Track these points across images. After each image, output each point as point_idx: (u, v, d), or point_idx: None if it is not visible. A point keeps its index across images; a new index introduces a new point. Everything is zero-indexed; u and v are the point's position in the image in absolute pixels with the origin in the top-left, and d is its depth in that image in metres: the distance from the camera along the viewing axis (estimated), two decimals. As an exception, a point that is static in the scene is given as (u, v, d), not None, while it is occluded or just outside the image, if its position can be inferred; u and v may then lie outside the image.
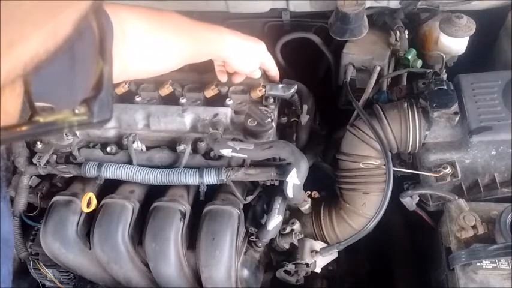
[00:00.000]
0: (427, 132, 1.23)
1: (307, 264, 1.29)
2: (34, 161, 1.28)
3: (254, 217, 1.26)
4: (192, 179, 1.21)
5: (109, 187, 1.27)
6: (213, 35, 1.15)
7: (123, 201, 1.21)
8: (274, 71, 1.34)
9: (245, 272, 1.26)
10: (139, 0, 1.55)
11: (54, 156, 1.29)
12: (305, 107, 1.35)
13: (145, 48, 0.99)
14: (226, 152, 1.16)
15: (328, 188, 1.43)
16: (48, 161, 1.28)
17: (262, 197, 1.29)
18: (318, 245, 1.33)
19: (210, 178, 1.21)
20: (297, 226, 1.32)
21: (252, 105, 1.31)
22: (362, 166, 1.29)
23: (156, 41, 1.01)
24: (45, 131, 0.38)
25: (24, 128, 0.36)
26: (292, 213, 1.36)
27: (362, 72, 1.43)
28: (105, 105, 0.39)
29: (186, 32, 1.08)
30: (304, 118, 1.34)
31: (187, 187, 1.25)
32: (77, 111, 0.38)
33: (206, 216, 1.19)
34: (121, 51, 0.91)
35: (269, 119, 1.22)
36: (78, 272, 1.31)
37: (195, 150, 1.27)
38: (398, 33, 1.45)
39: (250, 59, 1.25)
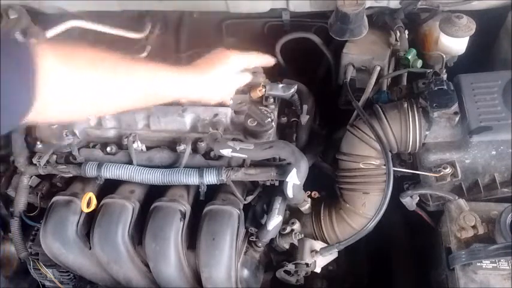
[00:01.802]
0: (427, 132, 1.23)
1: (307, 264, 1.29)
2: (34, 161, 1.28)
3: (254, 217, 1.26)
4: (192, 179, 1.21)
5: (109, 187, 1.27)
6: (157, 75, 1.01)
7: (123, 201, 1.21)
8: (264, 63, 1.28)
9: (245, 272, 1.26)
10: (139, 0, 1.56)
11: (54, 156, 1.30)
12: (305, 107, 1.35)
13: (68, 88, 0.87)
14: (226, 152, 1.16)
15: (328, 188, 1.43)
16: (48, 161, 1.28)
17: (262, 197, 1.29)
18: (318, 245, 1.33)
19: (210, 178, 1.21)
20: (297, 226, 1.32)
21: (252, 105, 1.31)
22: (362, 166, 1.29)
23: (82, 81, 0.89)
24: None
25: None
26: (292, 213, 1.36)
27: (362, 72, 1.43)
28: None
29: (123, 73, 0.96)
30: (304, 118, 1.34)
31: (187, 187, 1.25)
32: None
33: (206, 216, 1.19)
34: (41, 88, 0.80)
35: (269, 119, 1.22)
36: (78, 272, 1.31)
37: (195, 150, 1.27)
38: (398, 33, 1.45)
39: (219, 89, 1.16)
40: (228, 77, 1.17)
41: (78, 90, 0.88)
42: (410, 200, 1.25)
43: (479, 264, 1.06)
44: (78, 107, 0.92)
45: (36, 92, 0.77)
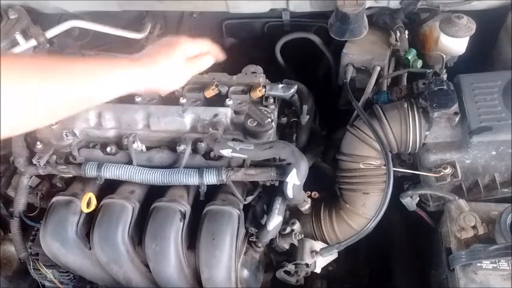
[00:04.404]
0: (427, 133, 1.23)
1: (307, 265, 1.29)
2: (34, 161, 1.28)
3: (254, 217, 1.26)
4: (192, 179, 1.21)
5: (109, 187, 1.27)
6: (100, 70, 0.97)
7: (123, 201, 1.21)
8: (210, 61, 1.20)
9: (245, 273, 1.26)
10: (139, 0, 1.56)
11: (54, 157, 1.29)
12: (305, 107, 1.35)
13: (17, 98, 0.83)
14: (226, 152, 1.16)
15: (328, 188, 1.43)
16: (48, 161, 1.28)
17: (262, 197, 1.29)
18: (318, 245, 1.33)
19: (210, 178, 1.21)
20: (297, 226, 1.32)
21: (252, 105, 1.31)
22: (362, 166, 1.29)
23: (27, 90, 0.84)
24: None
25: None
26: (292, 213, 1.36)
27: (362, 72, 1.43)
28: None
29: (61, 75, 0.90)
30: (304, 118, 1.34)
31: (187, 187, 1.25)
32: None
33: (206, 217, 1.19)
34: None
35: (269, 119, 1.22)
36: (78, 272, 1.31)
37: (195, 150, 1.27)
38: (398, 33, 1.45)
39: (170, 76, 1.10)
40: (178, 64, 1.11)
41: (29, 101, 0.84)
42: (410, 200, 1.25)
43: (479, 264, 1.06)
44: (30, 116, 0.87)
45: None
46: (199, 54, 1.17)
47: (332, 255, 1.34)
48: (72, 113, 0.99)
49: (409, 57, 1.39)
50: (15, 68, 0.85)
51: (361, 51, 1.42)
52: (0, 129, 0.82)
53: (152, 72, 1.05)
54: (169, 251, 1.17)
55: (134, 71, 1.01)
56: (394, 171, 1.21)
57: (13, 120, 0.84)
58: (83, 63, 0.96)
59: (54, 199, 1.25)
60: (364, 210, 1.31)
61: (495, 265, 1.06)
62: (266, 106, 1.30)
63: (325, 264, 1.36)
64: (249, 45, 1.73)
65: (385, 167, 1.21)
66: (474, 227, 1.11)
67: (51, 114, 0.92)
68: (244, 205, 1.24)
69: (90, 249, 1.23)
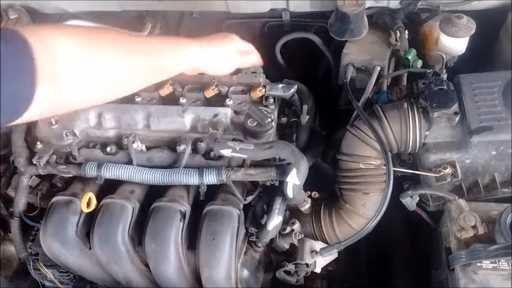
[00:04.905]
0: (427, 133, 1.23)
1: (307, 265, 1.29)
2: (34, 161, 1.28)
3: (254, 217, 1.26)
4: (192, 179, 1.21)
5: (109, 187, 1.27)
6: (170, 46, 1.06)
7: (123, 201, 1.21)
8: (255, 60, 1.34)
9: (245, 272, 1.26)
10: (139, 0, 1.55)
11: (54, 156, 1.29)
12: (305, 107, 1.35)
13: (84, 70, 0.86)
14: (226, 152, 1.16)
15: (328, 188, 1.43)
16: (48, 161, 1.28)
17: (262, 197, 1.29)
18: (318, 245, 1.33)
19: (210, 178, 1.21)
20: (297, 226, 1.32)
21: (252, 105, 1.31)
22: (362, 166, 1.29)
23: (96, 61, 0.88)
24: None
25: None
26: (292, 213, 1.36)
27: (362, 72, 1.43)
28: None
29: (135, 49, 0.96)
30: (304, 118, 1.34)
31: (187, 187, 1.25)
32: None
33: (206, 217, 1.19)
34: (52, 76, 0.80)
35: (269, 119, 1.22)
36: (78, 272, 1.31)
37: (195, 150, 1.27)
38: (398, 33, 1.45)
39: (224, 61, 1.23)
40: (232, 53, 1.23)
41: (98, 73, 0.88)
42: (410, 200, 1.25)
43: (479, 264, 1.06)
44: (99, 91, 0.92)
45: (36, 82, 0.76)
46: (248, 52, 1.30)
47: (332, 255, 1.34)
48: (139, 88, 1.08)
49: (409, 57, 1.39)
50: (100, 40, 0.90)
51: (361, 51, 1.42)
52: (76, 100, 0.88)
53: (208, 53, 1.16)
54: (169, 251, 1.16)
55: (195, 50, 1.11)
56: (394, 171, 1.21)
57: (87, 93, 0.89)
58: (155, 40, 1.07)
59: (54, 199, 1.25)
60: (364, 210, 1.31)
61: (495, 265, 1.06)
62: (266, 106, 1.30)
63: (325, 264, 1.36)
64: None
65: (385, 167, 1.21)
66: (474, 227, 1.11)
67: (119, 89, 0.98)
68: (244, 205, 1.24)
69: (90, 249, 1.23)
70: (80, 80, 0.85)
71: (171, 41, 1.09)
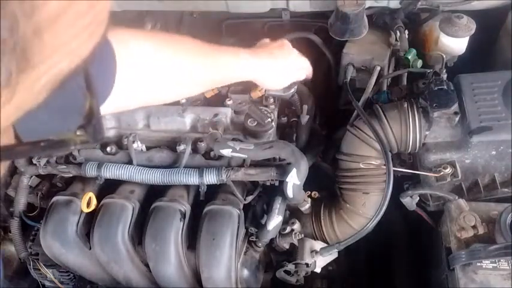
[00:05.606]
0: (427, 132, 1.23)
1: (307, 264, 1.29)
2: (34, 161, 1.28)
3: (254, 217, 1.26)
4: (192, 179, 1.21)
5: (109, 187, 1.27)
6: (237, 60, 1.06)
7: (123, 201, 1.21)
8: (308, 74, 1.29)
9: (245, 272, 1.26)
10: (139, 0, 1.56)
11: (54, 156, 1.29)
12: (305, 107, 1.35)
13: (156, 71, 0.90)
14: (226, 152, 1.16)
15: (328, 188, 1.43)
16: (48, 161, 1.28)
17: (262, 197, 1.29)
18: (318, 245, 1.33)
19: (210, 178, 1.21)
20: (297, 226, 1.32)
21: (252, 105, 1.31)
22: (362, 166, 1.29)
23: (167, 64, 0.92)
24: (56, 148, 0.42)
25: (41, 144, 0.39)
26: (292, 213, 1.36)
27: (362, 72, 1.43)
28: (98, 128, 0.43)
29: (205, 56, 1.00)
30: (304, 118, 1.34)
31: (187, 187, 1.25)
32: (78, 133, 0.42)
33: (206, 217, 1.19)
34: (128, 75, 0.82)
35: (269, 119, 1.22)
36: (78, 272, 1.31)
37: (195, 150, 1.27)
38: (398, 33, 1.45)
39: (284, 75, 1.20)
40: (293, 68, 1.21)
41: (164, 74, 0.91)
42: (410, 200, 1.25)
43: (479, 264, 1.06)
44: (157, 93, 0.94)
45: (115, 76, 0.77)
46: (304, 67, 1.25)
47: (332, 255, 1.34)
48: (198, 92, 1.12)
49: (409, 57, 1.39)
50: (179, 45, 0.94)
51: (361, 51, 1.42)
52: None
53: (267, 66, 1.14)
54: (169, 250, 1.17)
55: (251, 62, 1.10)
56: (394, 171, 1.21)
57: (153, 91, 0.92)
58: (223, 50, 1.05)
59: (54, 199, 1.25)
60: (364, 210, 1.31)
61: (495, 265, 1.06)
62: (266, 106, 1.30)
63: (325, 264, 1.36)
64: (249, 45, 1.72)
65: (385, 167, 1.21)
66: (474, 227, 1.11)
67: (174, 94, 1.01)
68: (244, 205, 1.24)
69: (90, 249, 1.23)
70: (150, 79, 0.89)
71: (228, 51, 1.07)
